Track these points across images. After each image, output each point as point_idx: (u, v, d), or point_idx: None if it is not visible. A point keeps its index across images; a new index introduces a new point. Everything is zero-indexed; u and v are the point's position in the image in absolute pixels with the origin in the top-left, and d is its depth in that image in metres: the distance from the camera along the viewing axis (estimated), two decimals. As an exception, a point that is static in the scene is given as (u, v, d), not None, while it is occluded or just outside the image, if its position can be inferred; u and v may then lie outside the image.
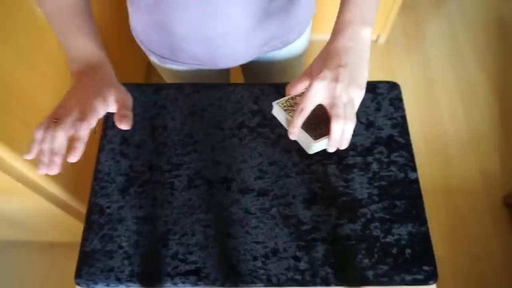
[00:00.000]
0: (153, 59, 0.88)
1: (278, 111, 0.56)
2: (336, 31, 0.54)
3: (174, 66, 0.86)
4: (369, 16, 0.54)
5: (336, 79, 0.50)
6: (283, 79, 0.99)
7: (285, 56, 0.91)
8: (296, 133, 0.54)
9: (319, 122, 0.56)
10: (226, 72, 1.01)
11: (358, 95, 0.52)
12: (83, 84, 0.56)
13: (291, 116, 0.53)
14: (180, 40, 0.76)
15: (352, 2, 0.54)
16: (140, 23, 0.79)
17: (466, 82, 1.88)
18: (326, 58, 0.52)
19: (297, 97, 0.57)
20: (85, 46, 0.59)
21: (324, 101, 0.51)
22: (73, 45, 0.59)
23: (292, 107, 0.55)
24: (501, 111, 1.80)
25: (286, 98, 0.57)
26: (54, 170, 0.51)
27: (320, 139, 0.53)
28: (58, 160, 0.50)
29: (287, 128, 0.56)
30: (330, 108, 0.51)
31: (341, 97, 0.50)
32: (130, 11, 0.79)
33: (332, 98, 0.50)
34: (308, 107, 0.51)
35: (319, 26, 1.81)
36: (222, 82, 1.06)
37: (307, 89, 0.52)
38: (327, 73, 0.51)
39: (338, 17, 0.55)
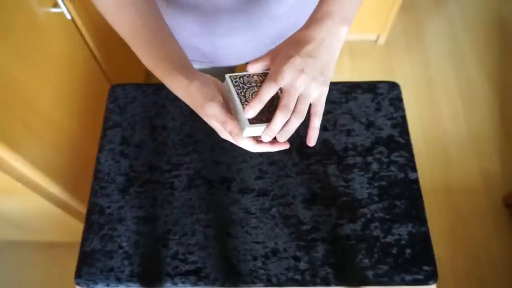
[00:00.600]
0: None
1: (229, 85, 0.52)
2: (314, 20, 0.50)
3: None
4: (350, 14, 0.52)
5: (302, 69, 0.47)
6: None
7: None
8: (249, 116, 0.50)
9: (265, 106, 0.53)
10: (232, 70, 1.01)
11: (322, 90, 0.49)
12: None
13: (239, 94, 0.51)
14: (191, 37, 0.76)
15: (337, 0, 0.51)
16: None
17: (466, 82, 1.88)
18: (298, 44, 0.49)
19: (254, 76, 0.54)
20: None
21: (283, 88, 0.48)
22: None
23: (244, 85, 0.52)
24: (501, 111, 1.80)
25: (241, 73, 0.53)
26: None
27: (257, 124, 0.49)
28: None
29: (230, 106, 0.53)
30: (282, 95, 0.48)
31: (299, 88, 0.47)
32: None
33: (290, 86, 0.47)
34: (270, 93, 0.48)
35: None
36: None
37: (272, 72, 0.48)
38: (296, 60, 0.47)
39: (319, 5, 0.52)
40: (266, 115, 0.50)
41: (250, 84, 0.53)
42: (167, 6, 0.74)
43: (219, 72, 0.94)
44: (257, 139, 0.53)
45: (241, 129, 0.50)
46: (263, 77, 0.54)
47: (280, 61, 0.48)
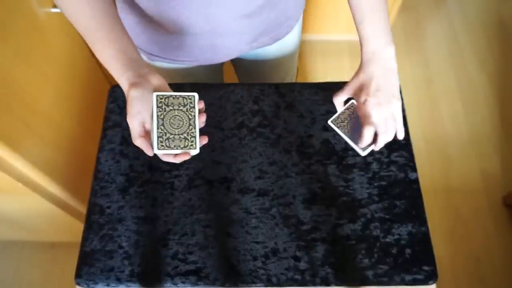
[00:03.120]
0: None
1: (153, 103, 0.58)
2: (367, 62, 0.64)
3: (165, 64, 0.86)
4: (388, 31, 0.64)
5: (378, 103, 0.62)
6: (276, 76, 0.99)
7: (277, 53, 0.91)
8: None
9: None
10: (218, 70, 1.00)
11: (397, 106, 0.64)
12: None
13: (158, 116, 0.57)
14: (173, 37, 0.76)
15: (374, 24, 0.63)
16: (127, 19, 0.77)
17: (466, 82, 1.88)
18: (364, 88, 0.64)
19: (179, 98, 0.59)
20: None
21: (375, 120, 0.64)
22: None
23: (167, 106, 0.58)
24: (501, 111, 1.80)
25: (169, 94, 0.59)
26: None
27: (164, 150, 0.58)
28: None
29: (346, 140, 0.70)
30: (380, 127, 0.63)
31: (385, 116, 0.63)
32: (119, 7, 0.78)
33: (379, 119, 0.63)
34: (371, 129, 0.64)
35: (312, 26, 1.81)
36: (222, 82, 1.06)
37: (363, 117, 0.64)
38: (372, 101, 0.63)
39: (364, 45, 0.64)
40: (175, 142, 0.58)
41: (173, 106, 0.59)
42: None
43: (205, 72, 0.92)
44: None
45: (151, 145, 0.58)
46: (189, 100, 0.60)
47: (361, 107, 0.64)
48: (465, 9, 2.09)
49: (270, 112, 0.81)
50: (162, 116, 0.58)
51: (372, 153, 0.76)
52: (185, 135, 0.58)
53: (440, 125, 1.77)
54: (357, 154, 0.76)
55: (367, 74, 0.64)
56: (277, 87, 0.84)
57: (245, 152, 0.77)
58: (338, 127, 0.72)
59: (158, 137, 0.57)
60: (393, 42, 0.64)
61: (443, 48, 1.97)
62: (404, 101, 0.83)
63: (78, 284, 0.68)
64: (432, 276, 0.66)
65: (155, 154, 0.59)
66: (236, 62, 1.00)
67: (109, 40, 0.58)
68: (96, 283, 0.67)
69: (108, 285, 0.67)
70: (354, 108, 0.72)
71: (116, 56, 0.58)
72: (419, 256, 0.68)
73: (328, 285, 0.66)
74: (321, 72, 1.87)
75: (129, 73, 0.57)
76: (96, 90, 1.23)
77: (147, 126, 0.58)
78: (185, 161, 0.76)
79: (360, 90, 0.65)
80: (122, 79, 0.58)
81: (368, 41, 0.64)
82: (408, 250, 0.68)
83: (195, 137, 0.59)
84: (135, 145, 0.58)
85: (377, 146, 0.66)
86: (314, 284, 0.66)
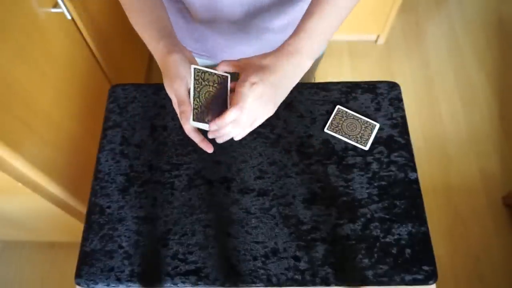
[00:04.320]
0: None
1: (191, 76, 0.56)
2: (285, 51, 0.56)
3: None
4: (320, 49, 0.58)
5: (261, 96, 0.54)
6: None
7: None
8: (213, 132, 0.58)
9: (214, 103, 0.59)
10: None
11: (268, 114, 0.57)
12: None
13: (195, 89, 0.56)
14: (195, 27, 0.77)
15: (312, 29, 0.56)
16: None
17: (466, 82, 1.88)
18: (265, 71, 0.54)
19: (215, 75, 0.57)
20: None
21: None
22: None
23: (203, 81, 0.57)
24: (500, 111, 1.80)
25: (205, 69, 0.57)
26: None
27: (199, 122, 0.56)
28: None
29: (346, 141, 0.65)
30: (235, 105, 0.54)
31: (255, 111, 0.55)
32: None
33: (248, 108, 0.54)
34: (233, 117, 0.54)
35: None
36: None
37: (238, 94, 0.54)
38: (259, 88, 0.54)
39: (293, 37, 0.56)
40: (208, 117, 0.57)
41: (208, 82, 0.58)
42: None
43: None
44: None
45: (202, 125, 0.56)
46: (222, 79, 0.59)
47: (244, 84, 0.54)
48: (465, 9, 2.09)
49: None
50: (198, 89, 0.56)
51: (372, 153, 0.76)
52: (218, 113, 0.57)
53: (439, 124, 1.78)
54: (358, 154, 0.76)
55: (275, 63, 0.55)
56: (277, 87, 0.84)
57: (245, 152, 0.77)
58: (335, 132, 0.77)
59: (194, 108, 0.55)
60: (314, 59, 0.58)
61: (443, 48, 1.97)
62: (404, 101, 0.83)
63: (78, 284, 0.68)
64: (432, 276, 0.66)
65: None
66: None
67: (148, 8, 0.59)
68: (96, 283, 0.67)
69: (108, 285, 0.67)
70: (343, 111, 0.79)
71: (154, 24, 0.59)
72: (419, 256, 0.68)
73: (328, 285, 0.66)
74: (321, 72, 1.87)
75: (167, 40, 0.58)
76: (96, 90, 1.23)
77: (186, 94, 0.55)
78: (185, 161, 0.76)
79: (253, 70, 0.55)
80: (159, 46, 0.57)
81: (301, 38, 0.56)
82: (408, 250, 0.68)
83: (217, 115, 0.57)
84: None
85: (219, 134, 0.58)
86: (314, 284, 0.66)
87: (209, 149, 0.59)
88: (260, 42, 0.78)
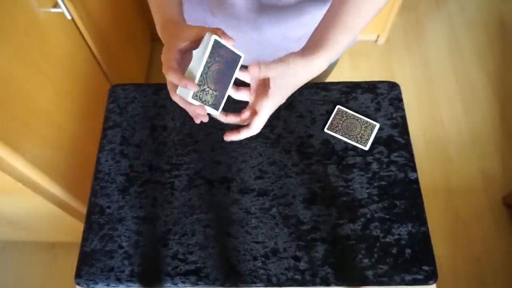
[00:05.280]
0: None
1: (207, 46, 0.52)
2: (305, 61, 0.56)
3: None
4: (336, 55, 0.58)
5: (275, 107, 0.57)
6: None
7: None
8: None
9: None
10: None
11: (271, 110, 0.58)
12: None
13: (207, 62, 0.52)
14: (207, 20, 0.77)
15: (332, 36, 0.56)
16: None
17: (466, 82, 1.88)
18: (283, 76, 0.54)
19: (230, 53, 0.54)
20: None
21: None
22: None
23: (216, 57, 0.52)
24: (501, 111, 1.80)
25: (225, 44, 0.53)
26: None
27: (197, 100, 0.53)
28: None
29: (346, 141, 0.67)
30: (254, 120, 0.56)
31: (265, 113, 0.57)
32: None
33: (262, 114, 0.57)
34: (247, 121, 0.57)
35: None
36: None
37: (255, 103, 0.57)
38: (276, 98, 0.56)
39: (314, 43, 0.57)
40: (207, 97, 0.53)
41: (221, 58, 0.54)
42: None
43: None
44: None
45: (185, 85, 0.51)
46: (235, 58, 0.55)
47: (262, 90, 0.56)
48: (465, 8, 2.09)
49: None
50: (209, 64, 0.52)
51: (372, 153, 0.76)
52: (216, 93, 0.54)
53: (440, 125, 1.77)
54: (358, 154, 0.76)
55: (295, 71, 0.56)
56: (277, 87, 0.84)
57: (245, 152, 0.77)
58: (335, 132, 0.77)
59: (197, 84, 0.52)
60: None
61: (443, 48, 1.97)
62: (404, 101, 0.83)
63: (78, 284, 0.68)
64: (432, 276, 0.66)
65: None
66: None
67: None
68: (96, 283, 0.67)
69: (108, 285, 0.67)
70: (343, 111, 0.79)
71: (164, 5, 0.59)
72: (419, 256, 0.68)
73: (328, 285, 0.66)
74: (321, 72, 1.87)
75: (174, 14, 0.58)
76: (96, 90, 1.23)
77: (178, 57, 0.53)
78: (185, 161, 0.76)
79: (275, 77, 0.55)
80: (165, 15, 0.58)
81: (322, 45, 0.56)
82: (408, 250, 0.68)
83: (222, 98, 0.55)
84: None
85: (221, 119, 0.59)
86: (314, 284, 0.66)
87: (205, 118, 0.56)
88: (277, 50, 0.78)
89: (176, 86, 0.54)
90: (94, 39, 1.19)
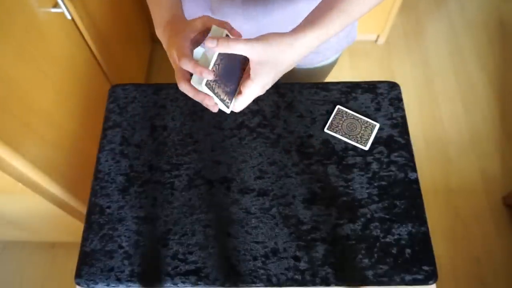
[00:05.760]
0: None
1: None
2: (292, 38, 0.52)
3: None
4: (331, 31, 0.55)
5: (264, 86, 0.54)
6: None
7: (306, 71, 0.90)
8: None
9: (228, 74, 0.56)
10: None
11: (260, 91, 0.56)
12: None
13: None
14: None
15: (325, 16, 0.53)
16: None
17: (466, 82, 1.88)
18: (275, 60, 0.52)
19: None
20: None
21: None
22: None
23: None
24: (501, 111, 1.80)
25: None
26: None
27: (208, 89, 0.52)
28: None
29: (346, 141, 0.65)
30: (238, 92, 0.55)
31: (249, 95, 0.55)
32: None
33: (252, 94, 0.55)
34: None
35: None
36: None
37: (241, 85, 0.55)
38: (267, 79, 0.53)
39: (304, 22, 0.54)
40: (219, 90, 0.53)
41: (230, 55, 0.54)
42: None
43: None
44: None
45: (196, 74, 0.50)
46: (245, 60, 0.56)
47: (256, 73, 0.53)
48: (465, 8, 2.09)
49: (270, 112, 0.81)
50: (222, 57, 0.52)
51: (372, 153, 0.76)
52: (228, 89, 0.54)
53: (440, 125, 1.77)
54: (358, 154, 0.76)
55: (287, 59, 0.53)
56: (277, 87, 0.84)
57: (245, 152, 0.77)
58: (335, 132, 0.77)
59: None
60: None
61: (443, 48, 1.97)
62: (404, 101, 0.83)
63: (78, 284, 0.68)
64: (432, 276, 0.66)
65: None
66: None
67: None
68: (96, 283, 0.67)
69: (108, 285, 0.67)
70: (343, 111, 0.79)
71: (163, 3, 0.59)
72: (419, 256, 0.68)
73: (328, 285, 0.66)
74: (321, 72, 1.87)
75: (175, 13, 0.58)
76: (96, 90, 1.23)
77: (191, 46, 0.52)
78: (185, 161, 0.76)
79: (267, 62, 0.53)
80: (166, 14, 0.57)
81: (314, 29, 0.53)
82: (408, 250, 0.68)
83: (232, 94, 0.55)
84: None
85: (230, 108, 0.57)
86: (314, 284, 0.66)
87: (215, 108, 0.55)
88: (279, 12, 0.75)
89: (185, 75, 0.52)
90: (94, 39, 1.19)
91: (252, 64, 0.52)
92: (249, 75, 0.54)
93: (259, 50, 0.50)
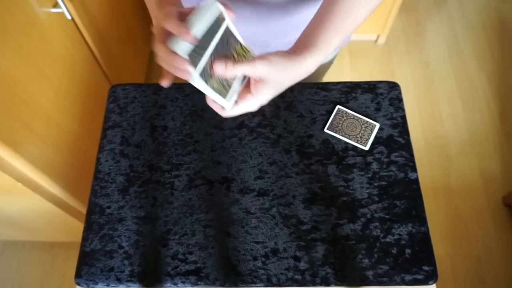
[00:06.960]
0: None
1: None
2: (291, 62, 0.53)
3: None
4: (329, 52, 0.56)
5: (262, 102, 0.56)
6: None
7: None
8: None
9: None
10: None
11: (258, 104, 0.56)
12: None
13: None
14: None
15: (321, 38, 0.54)
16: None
17: (466, 82, 1.88)
18: (275, 84, 0.53)
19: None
20: None
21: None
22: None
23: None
24: (500, 111, 1.80)
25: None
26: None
27: (203, 81, 0.49)
28: None
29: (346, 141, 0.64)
30: (246, 103, 0.55)
31: (246, 107, 0.56)
32: None
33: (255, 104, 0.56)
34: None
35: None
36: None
37: (241, 97, 0.55)
38: (270, 94, 0.54)
39: (302, 44, 0.54)
40: (212, 82, 0.51)
41: (229, 46, 0.52)
42: None
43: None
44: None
45: (190, 62, 0.46)
46: (245, 51, 0.55)
47: (258, 90, 0.54)
48: (465, 8, 2.09)
49: (270, 112, 0.81)
50: (217, 49, 0.49)
51: (372, 153, 0.76)
52: (224, 82, 0.51)
53: (440, 125, 1.78)
54: (358, 154, 0.76)
55: (286, 77, 0.54)
56: (277, 87, 0.84)
57: (245, 152, 0.77)
58: (335, 132, 0.77)
59: (205, 63, 0.48)
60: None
61: (443, 48, 1.97)
62: (404, 101, 0.83)
63: (78, 284, 0.68)
64: (432, 276, 0.66)
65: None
66: None
67: None
68: (96, 283, 0.67)
69: (108, 285, 0.67)
70: (343, 111, 0.79)
71: None
72: (419, 256, 0.68)
73: (328, 285, 0.66)
74: (321, 72, 1.87)
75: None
76: (96, 90, 1.23)
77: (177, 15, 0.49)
78: (185, 161, 0.76)
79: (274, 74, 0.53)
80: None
81: (312, 45, 0.54)
82: (408, 250, 0.68)
83: (235, 91, 0.53)
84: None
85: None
86: (314, 284, 0.66)
87: (186, 75, 0.49)
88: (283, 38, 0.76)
89: (163, 36, 0.48)
90: (94, 39, 1.19)
91: (252, 81, 0.54)
92: (249, 89, 0.55)
93: (262, 70, 0.51)
